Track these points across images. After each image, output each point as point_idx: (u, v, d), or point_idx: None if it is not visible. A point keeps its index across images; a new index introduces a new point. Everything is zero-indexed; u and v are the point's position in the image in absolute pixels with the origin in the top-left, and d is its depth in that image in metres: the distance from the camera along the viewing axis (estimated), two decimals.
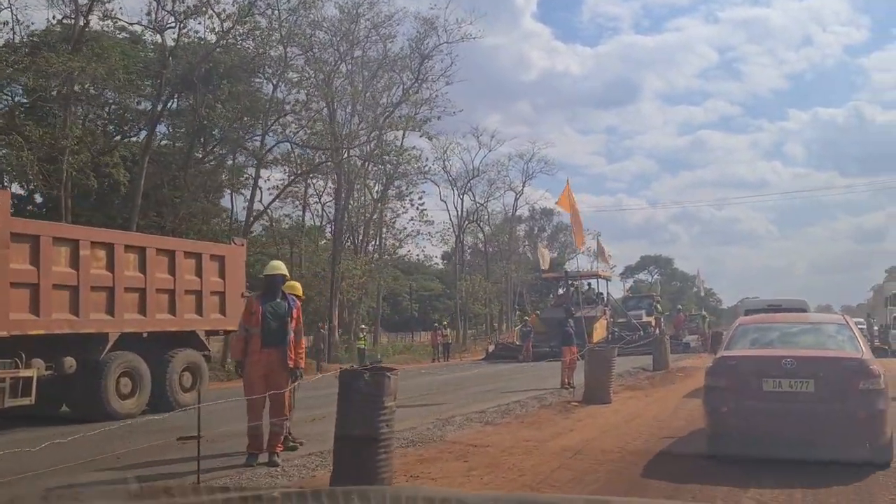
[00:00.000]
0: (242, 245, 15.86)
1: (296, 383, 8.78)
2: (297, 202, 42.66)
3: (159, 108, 29.44)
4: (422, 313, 68.09)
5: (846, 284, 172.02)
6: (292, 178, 36.86)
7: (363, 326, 32.52)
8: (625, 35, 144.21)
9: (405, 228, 48.23)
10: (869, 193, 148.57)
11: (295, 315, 8.61)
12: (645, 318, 37.14)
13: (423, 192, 47.85)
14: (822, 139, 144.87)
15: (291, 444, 9.03)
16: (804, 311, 16.25)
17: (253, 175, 34.92)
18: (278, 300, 8.60)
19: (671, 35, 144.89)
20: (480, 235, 61.29)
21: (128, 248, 13.15)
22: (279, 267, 8.91)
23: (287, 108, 34.35)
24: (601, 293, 35.92)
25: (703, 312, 41.23)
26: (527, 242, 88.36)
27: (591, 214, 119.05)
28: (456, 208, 55.12)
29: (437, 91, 41.98)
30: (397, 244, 53.43)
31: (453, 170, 55.31)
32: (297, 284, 9.61)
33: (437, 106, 45.37)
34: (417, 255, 59.13)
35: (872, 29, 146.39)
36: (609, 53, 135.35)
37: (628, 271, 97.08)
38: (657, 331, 33.60)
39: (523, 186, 61.37)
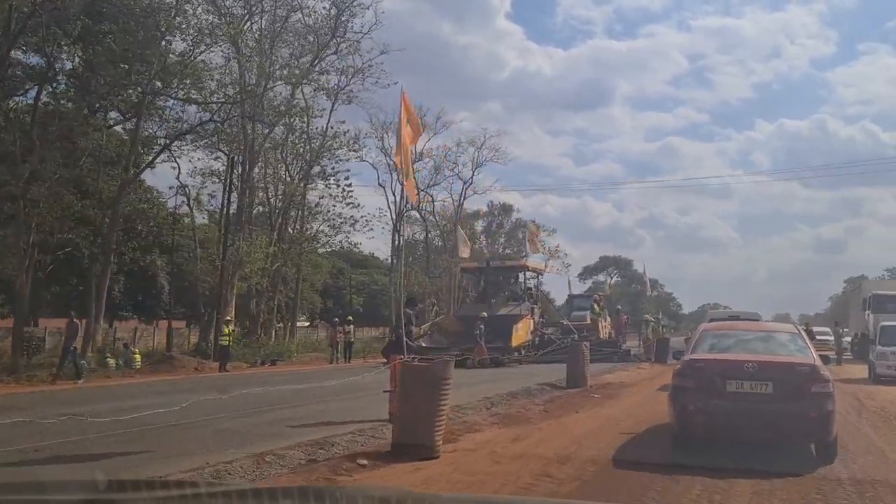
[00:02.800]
0: None
1: None
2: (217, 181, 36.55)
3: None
4: (368, 308, 62.49)
5: (805, 294, 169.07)
6: (171, 139, 30.38)
7: (228, 319, 26.13)
8: (598, 39, 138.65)
9: (338, 214, 42.07)
10: (829, 205, 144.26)
11: None
12: (590, 320, 31.50)
13: (349, 171, 41.31)
14: (787, 149, 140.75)
15: None
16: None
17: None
18: None
19: (644, 41, 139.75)
20: (419, 226, 55.07)
21: None
22: None
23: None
24: (530, 289, 29.93)
25: (648, 316, 34.99)
26: (483, 239, 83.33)
27: (557, 216, 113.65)
28: (394, 194, 49.06)
29: (370, 61, 36.62)
30: (332, 231, 47.51)
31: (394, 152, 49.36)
32: None
33: (369, 76, 40.03)
34: (362, 247, 52.84)
35: (839, 44, 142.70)
36: (581, 56, 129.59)
37: (587, 272, 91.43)
38: (605, 335, 27.92)
39: (472, 175, 55.58)
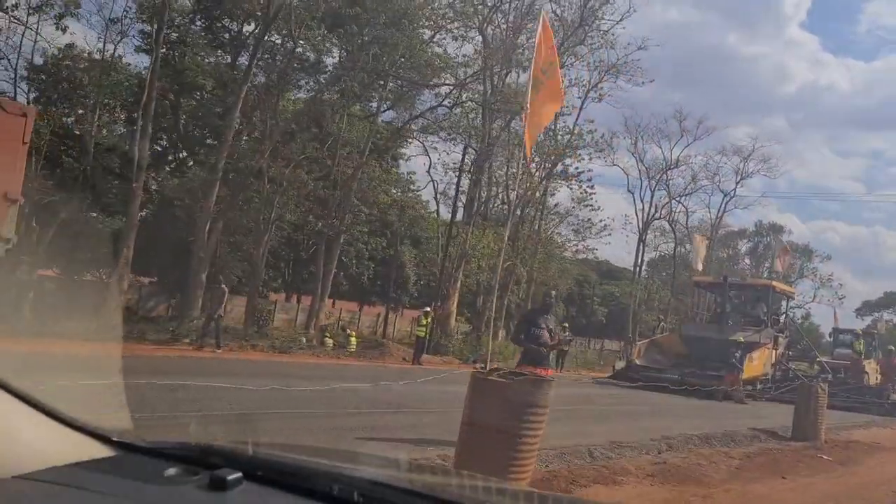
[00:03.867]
0: (21, 115, 9.09)
1: None
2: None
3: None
4: (612, 321, 59.48)
5: None
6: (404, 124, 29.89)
7: (427, 310, 24.72)
8: None
9: (577, 217, 39.76)
10: None
11: None
12: (850, 361, 26.26)
13: (591, 170, 38.66)
14: None
15: None
16: None
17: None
18: None
19: None
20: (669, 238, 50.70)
21: None
22: None
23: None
24: (777, 315, 25.21)
25: None
26: (748, 260, 75.97)
27: (841, 246, 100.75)
28: (642, 201, 45.61)
29: (625, 57, 34.23)
30: (577, 237, 45.29)
31: (647, 158, 45.98)
32: None
33: (624, 73, 37.34)
34: (598, 253, 49.97)
35: None
36: (887, 69, 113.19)
37: (867, 307, 79.88)
38: (873, 381, 22.93)
39: (736, 188, 50.22)
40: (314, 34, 26.62)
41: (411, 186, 41.08)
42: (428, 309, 24.55)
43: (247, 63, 25.31)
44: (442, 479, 2.40)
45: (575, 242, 45.17)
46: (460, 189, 31.32)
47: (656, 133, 46.49)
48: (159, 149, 29.43)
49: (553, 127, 37.41)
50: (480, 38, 30.88)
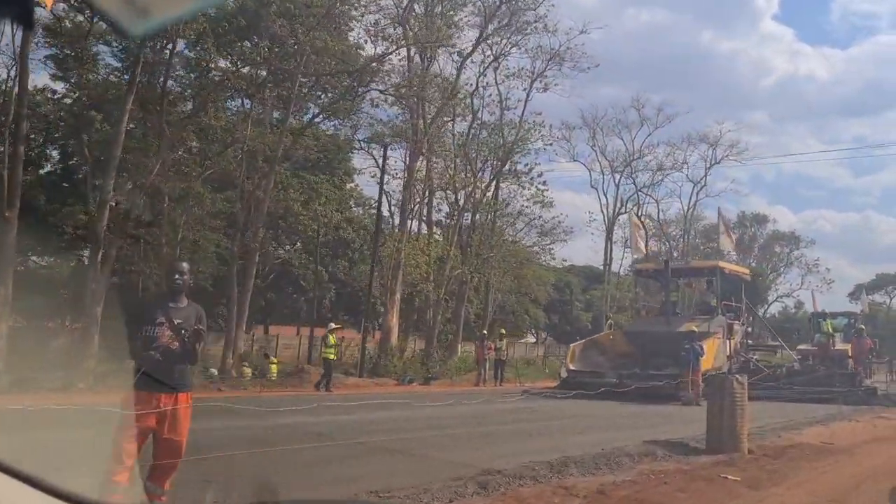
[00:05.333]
0: None
1: None
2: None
3: None
4: (597, 326, 56.57)
5: None
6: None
7: (336, 326, 21.59)
8: (883, 34, 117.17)
9: (552, 218, 36.91)
10: None
11: None
12: (841, 346, 23.25)
13: (538, 163, 35.95)
14: None
15: None
16: None
17: None
18: None
19: None
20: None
21: None
22: None
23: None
24: (731, 300, 22.02)
25: None
26: (733, 253, 73.26)
27: (833, 234, 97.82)
28: (605, 196, 42.74)
29: (568, 42, 31.60)
30: (546, 240, 42.51)
31: (610, 151, 43.20)
32: None
33: (568, 60, 34.76)
34: (558, 254, 47.11)
35: None
36: (864, 56, 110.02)
37: (859, 291, 76.97)
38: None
39: (706, 176, 47.39)
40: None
41: (372, 202, 38.31)
42: (334, 325, 21.40)
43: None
44: None
45: (541, 246, 42.46)
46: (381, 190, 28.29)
47: (616, 124, 43.79)
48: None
49: (499, 123, 34.80)
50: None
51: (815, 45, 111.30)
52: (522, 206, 36.56)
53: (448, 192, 34.71)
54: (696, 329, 18.11)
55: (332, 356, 20.06)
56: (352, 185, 40.80)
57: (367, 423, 11.82)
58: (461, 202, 33.81)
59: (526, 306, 51.07)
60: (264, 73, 25.30)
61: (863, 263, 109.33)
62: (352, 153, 39.30)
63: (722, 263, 22.45)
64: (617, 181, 43.53)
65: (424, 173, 31.45)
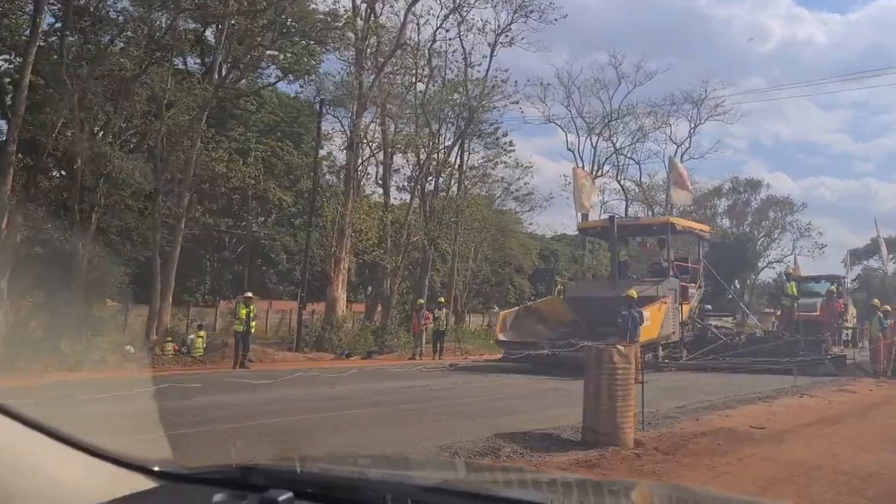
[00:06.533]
0: None
1: None
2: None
3: None
4: None
5: None
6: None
7: (249, 295, 18.95)
8: None
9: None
10: None
11: None
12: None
13: (501, 122, 33.68)
14: None
15: None
16: None
17: None
18: None
19: None
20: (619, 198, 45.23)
21: None
22: None
23: None
24: (686, 260, 19.61)
25: (877, 301, 19.27)
26: (727, 220, 71.01)
27: (833, 201, 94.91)
28: (581, 160, 40.27)
29: None
30: (524, 207, 40.54)
31: (587, 112, 40.66)
32: None
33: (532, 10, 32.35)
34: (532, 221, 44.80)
35: None
36: (863, 20, 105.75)
37: (854, 256, 74.35)
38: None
39: (690, 137, 44.79)
40: None
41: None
42: (250, 294, 19.01)
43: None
44: (492, 477, 2.27)
45: (518, 213, 40.36)
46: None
47: (594, 84, 41.14)
48: None
49: (460, 80, 32.37)
50: None
51: (813, 10, 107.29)
52: (489, 169, 34.40)
53: (409, 154, 32.45)
54: (635, 295, 15.65)
55: (240, 329, 17.82)
56: (324, 152, 38.42)
57: (213, 406, 9.66)
58: (421, 163, 31.52)
59: (510, 276, 49.03)
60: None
61: (861, 231, 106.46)
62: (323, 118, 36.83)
63: (674, 219, 19.79)
64: (594, 143, 40.97)
65: (381, 135, 29.19)
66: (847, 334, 19.53)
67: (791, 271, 18.76)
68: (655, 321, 15.72)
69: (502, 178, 35.92)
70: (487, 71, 32.11)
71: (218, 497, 1.57)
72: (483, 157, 34.04)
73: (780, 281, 30.09)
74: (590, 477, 4.76)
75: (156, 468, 1.69)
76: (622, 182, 42.58)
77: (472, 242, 37.05)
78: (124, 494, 1.56)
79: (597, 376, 6.96)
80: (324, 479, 1.73)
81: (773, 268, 61.91)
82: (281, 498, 1.49)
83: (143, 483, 1.62)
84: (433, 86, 31.75)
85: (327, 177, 37.16)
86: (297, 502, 1.51)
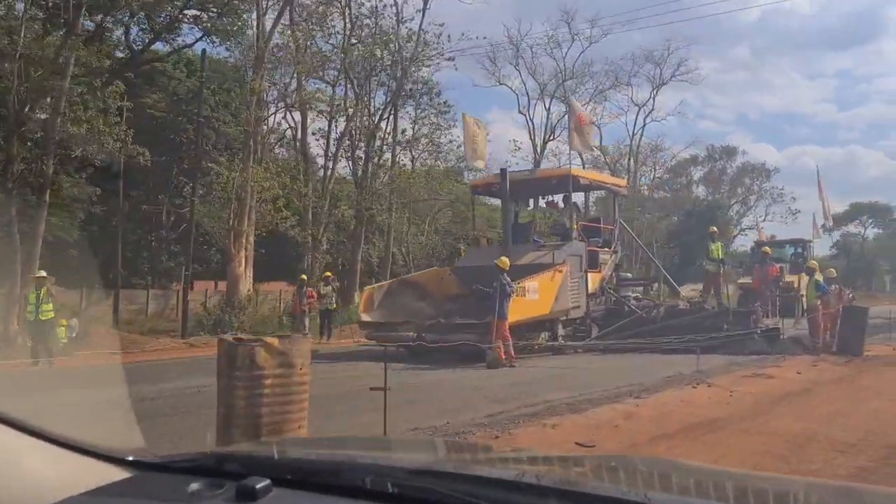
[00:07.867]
0: None
1: None
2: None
3: None
4: None
5: None
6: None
7: (41, 274, 15.12)
8: None
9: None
10: None
11: None
12: (789, 278, 18.40)
13: (437, 82, 30.65)
14: None
15: None
16: None
17: None
18: None
19: None
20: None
21: None
22: None
23: None
24: (598, 222, 16.61)
25: (813, 263, 16.58)
26: (703, 188, 68.68)
27: (817, 169, 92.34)
28: (532, 123, 37.24)
29: None
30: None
31: (542, 73, 37.59)
32: None
33: None
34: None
35: None
36: None
37: (835, 221, 71.90)
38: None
39: (652, 98, 41.83)
40: None
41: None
42: (44, 274, 15.12)
43: None
44: (473, 457, 2.19)
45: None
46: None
47: (547, 42, 37.99)
48: None
49: (395, 35, 29.26)
50: None
51: None
52: (438, 139, 31.47)
53: (338, 118, 29.49)
54: (507, 263, 12.36)
55: (31, 317, 14.29)
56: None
57: None
58: (340, 128, 28.60)
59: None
60: None
61: (846, 198, 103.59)
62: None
63: (576, 171, 16.34)
64: (548, 105, 37.91)
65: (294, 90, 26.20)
66: (795, 306, 16.83)
67: (714, 230, 15.81)
68: (548, 294, 12.78)
69: (457, 145, 32.77)
70: (420, 25, 29.03)
71: (194, 486, 1.50)
72: (412, 119, 30.92)
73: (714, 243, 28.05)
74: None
75: (129, 458, 1.63)
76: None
77: (427, 214, 34.22)
78: (99, 486, 1.51)
79: (228, 371, 4.05)
80: (302, 464, 1.67)
81: (746, 234, 59.80)
82: (259, 486, 1.42)
83: (118, 473, 1.57)
84: (359, 44, 28.66)
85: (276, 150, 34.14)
86: (275, 489, 1.45)
